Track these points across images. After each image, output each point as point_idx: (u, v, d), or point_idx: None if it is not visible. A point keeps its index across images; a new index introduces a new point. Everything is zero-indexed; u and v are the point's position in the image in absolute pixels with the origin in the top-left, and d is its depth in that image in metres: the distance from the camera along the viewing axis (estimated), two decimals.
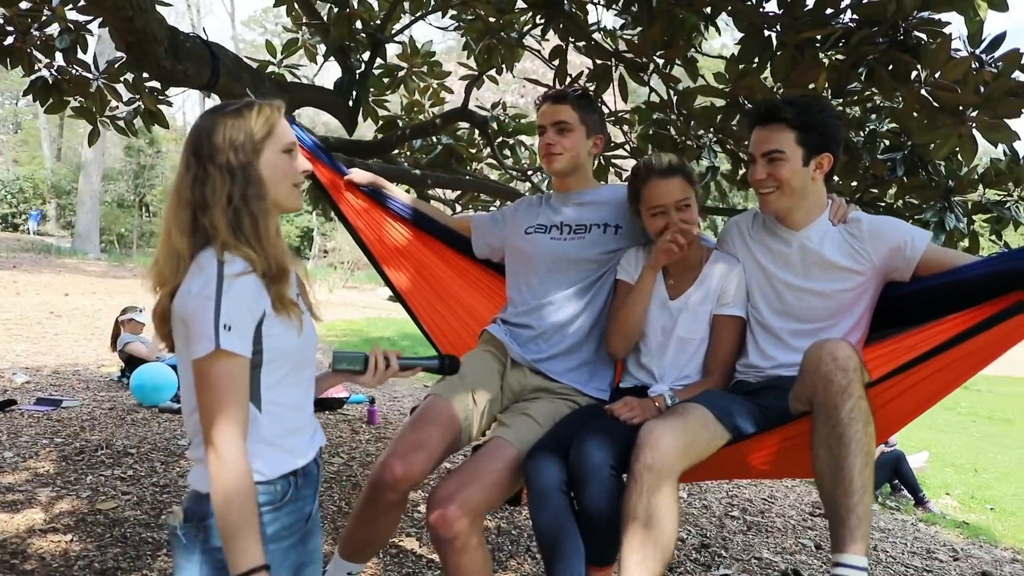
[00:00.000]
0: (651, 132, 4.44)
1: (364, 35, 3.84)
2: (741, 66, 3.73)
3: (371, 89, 4.43)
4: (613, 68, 4.08)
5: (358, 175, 2.88)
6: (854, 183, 4.25)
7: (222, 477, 1.37)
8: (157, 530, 3.48)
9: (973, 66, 3.14)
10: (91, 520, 3.55)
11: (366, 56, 4.00)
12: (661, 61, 3.96)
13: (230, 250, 1.44)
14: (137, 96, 4.75)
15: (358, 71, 3.86)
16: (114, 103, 4.75)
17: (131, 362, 6.64)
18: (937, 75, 3.09)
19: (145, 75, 4.50)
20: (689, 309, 2.36)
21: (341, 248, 25.32)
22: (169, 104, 5.01)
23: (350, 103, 3.86)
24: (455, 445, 2.26)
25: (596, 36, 4.23)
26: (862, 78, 3.41)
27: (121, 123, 4.93)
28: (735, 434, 2.03)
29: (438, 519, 2.00)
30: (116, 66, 4.55)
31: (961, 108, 3.11)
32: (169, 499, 3.91)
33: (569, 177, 2.54)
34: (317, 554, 1.68)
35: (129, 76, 4.59)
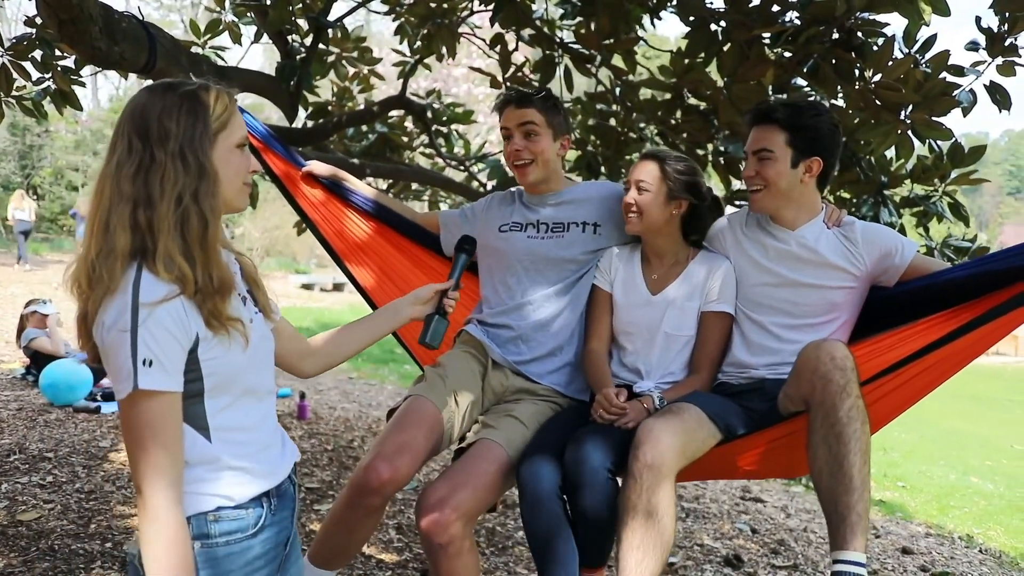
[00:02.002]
0: (593, 123, 4.44)
1: (305, 19, 3.69)
2: (687, 60, 3.77)
3: (316, 76, 4.28)
4: (558, 59, 4.05)
5: (317, 167, 2.74)
6: None
7: (147, 531, 1.23)
8: (88, 540, 3.28)
9: (911, 66, 3.26)
10: (12, 533, 3.31)
11: (308, 41, 3.85)
12: (607, 53, 3.95)
13: (158, 264, 1.26)
14: (47, 75, 4.43)
15: (299, 56, 3.70)
16: (20, 82, 4.42)
17: (37, 358, 6.24)
18: (879, 75, 3.20)
19: (58, 53, 4.20)
20: (675, 305, 2.35)
21: (249, 234, 24.55)
22: (82, 84, 4.71)
23: (291, 90, 3.70)
24: (438, 447, 2.20)
25: (538, 25, 4.20)
26: (806, 75, 3.49)
27: (28, 104, 4.60)
28: (727, 434, 2.06)
29: (431, 524, 1.94)
30: (24, 43, 4.23)
31: (901, 106, 3.23)
32: (97, 506, 3.68)
33: (542, 184, 2.50)
34: None
35: (38, 54, 4.28)
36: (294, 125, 4.54)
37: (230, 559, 1.37)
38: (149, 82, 1.78)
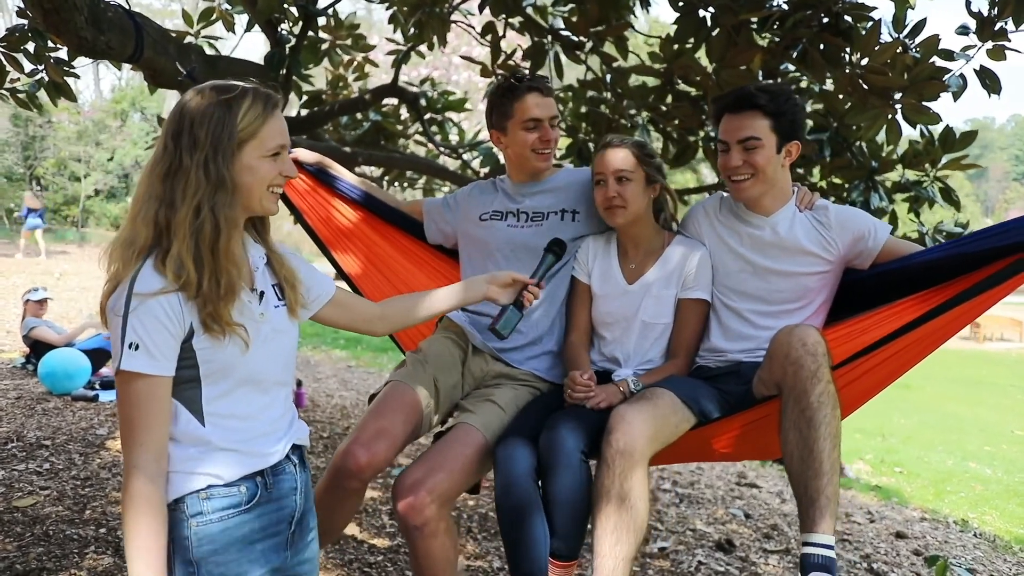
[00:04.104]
0: (585, 111, 4.44)
1: (295, 7, 3.68)
2: (676, 46, 3.77)
3: (305, 64, 4.27)
4: (548, 46, 4.05)
5: (303, 154, 2.75)
6: None
7: (124, 498, 1.33)
8: (82, 526, 3.32)
9: (899, 50, 3.25)
10: (8, 519, 3.35)
11: (297, 29, 3.84)
12: (597, 40, 3.95)
13: (168, 265, 1.35)
14: (41, 67, 4.44)
15: (288, 45, 3.70)
16: (14, 74, 4.43)
17: (37, 347, 6.28)
18: (867, 59, 3.19)
19: (51, 44, 4.21)
20: (652, 293, 2.36)
21: None
22: (76, 76, 4.71)
23: (281, 78, 3.70)
24: (417, 432, 2.23)
25: (529, 12, 4.19)
26: (794, 60, 3.48)
27: (23, 96, 4.61)
28: (701, 418, 2.07)
29: (407, 507, 1.97)
30: (17, 34, 4.23)
31: (888, 91, 3.23)
32: (92, 492, 3.72)
33: (541, 171, 2.52)
34: (310, 567, 1.62)
35: (31, 46, 4.29)
36: (287, 113, 4.53)
37: (226, 533, 1.43)
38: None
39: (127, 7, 2.98)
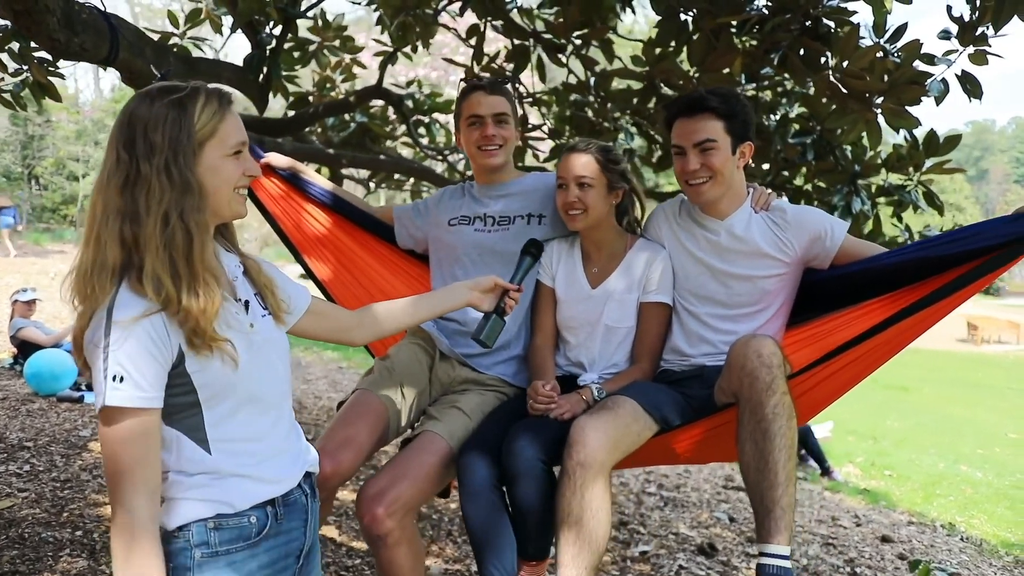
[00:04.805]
0: (569, 114, 4.44)
1: (275, 8, 3.67)
2: (658, 49, 3.76)
3: (283, 66, 4.26)
4: (531, 49, 4.04)
5: (275, 159, 2.74)
6: (766, 166, 4.36)
7: (116, 544, 1.23)
8: (59, 529, 3.31)
9: (879, 55, 3.24)
10: None
11: (277, 31, 3.83)
12: (579, 42, 3.94)
13: (145, 283, 1.25)
14: (25, 67, 4.44)
15: (268, 47, 3.69)
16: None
17: (24, 348, 6.28)
18: (846, 63, 3.19)
19: (34, 44, 4.20)
20: (615, 298, 2.35)
21: (249, 224, 24.56)
22: (61, 76, 4.71)
23: (260, 80, 3.69)
24: (383, 439, 2.23)
25: (514, 15, 4.19)
26: (775, 64, 3.48)
27: (8, 96, 4.61)
28: (663, 425, 2.07)
29: (370, 517, 1.97)
30: (0, 34, 4.23)
31: (868, 95, 3.22)
32: (71, 495, 3.72)
33: (500, 171, 2.51)
34: None
35: (15, 45, 4.29)
36: (270, 115, 4.53)
37: (231, 568, 1.34)
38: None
39: (103, 8, 2.97)
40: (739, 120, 2.20)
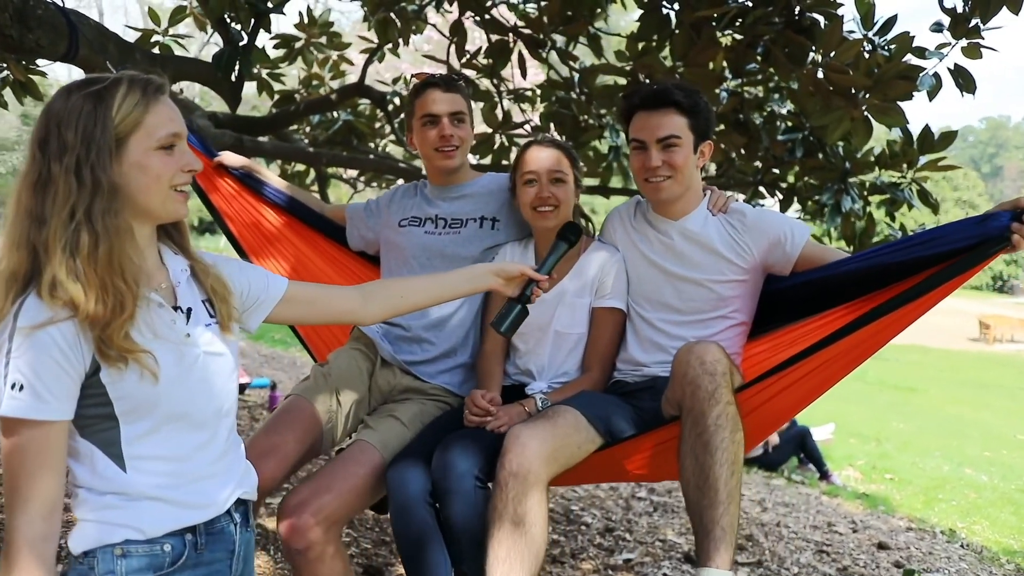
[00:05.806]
0: (553, 110, 4.34)
1: (246, 4, 3.59)
2: (641, 44, 3.66)
3: (256, 63, 4.17)
4: (512, 44, 3.95)
5: (229, 158, 2.66)
6: (756, 164, 4.25)
7: (4, 561, 1.16)
8: None
9: (865, 48, 3.13)
10: None
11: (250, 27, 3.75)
12: (562, 38, 3.85)
13: (44, 289, 1.16)
14: (3, 65, 4.38)
15: (240, 43, 3.61)
16: None
17: None
18: (831, 56, 3.08)
19: None
20: (566, 302, 2.25)
21: None
22: (43, 75, 4.65)
23: (232, 77, 3.61)
24: (315, 449, 2.11)
25: (501, 9, 4.10)
26: (759, 58, 3.37)
27: None
28: (608, 438, 1.96)
29: (289, 529, 1.85)
30: None
31: (854, 91, 3.11)
32: None
33: (456, 172, 2.41)
34: None
35: None
36: (252, 114, 4.45)
37: None
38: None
39: (61, 5, 2.90)
40: (702, 118, 2.11)
